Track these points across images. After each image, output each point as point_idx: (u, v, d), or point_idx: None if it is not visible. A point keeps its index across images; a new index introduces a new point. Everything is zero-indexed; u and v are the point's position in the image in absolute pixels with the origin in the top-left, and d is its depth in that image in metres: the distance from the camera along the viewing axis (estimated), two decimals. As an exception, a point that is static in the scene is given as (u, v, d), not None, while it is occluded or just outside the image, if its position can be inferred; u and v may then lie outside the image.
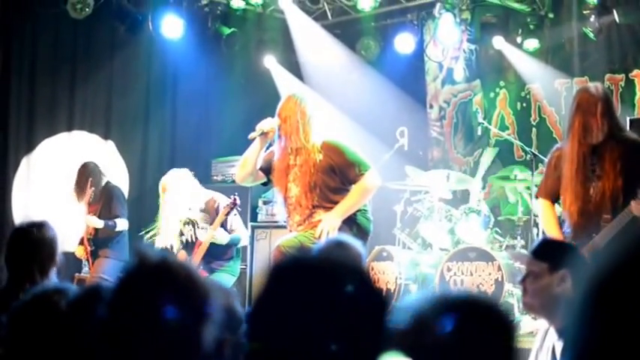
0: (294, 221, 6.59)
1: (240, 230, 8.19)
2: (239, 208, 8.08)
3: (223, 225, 8.02)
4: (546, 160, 6.27)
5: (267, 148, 6.84)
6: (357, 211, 6.53)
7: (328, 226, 6.33)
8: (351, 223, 6.50)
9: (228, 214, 7.90)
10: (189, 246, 8.08)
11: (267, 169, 6.83)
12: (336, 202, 6.46)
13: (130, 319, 2.03)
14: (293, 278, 1.97)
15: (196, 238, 8.06)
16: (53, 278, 4.50)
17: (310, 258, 2.11)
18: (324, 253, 4.18)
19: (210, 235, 7.87)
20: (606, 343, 1.38)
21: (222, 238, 7.98)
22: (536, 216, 8.80)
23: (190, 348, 2.05)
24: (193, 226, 8.06)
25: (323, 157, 6.43)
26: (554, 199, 5.98)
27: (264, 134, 6.67)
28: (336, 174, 6.47)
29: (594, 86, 5.97)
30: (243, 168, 6.85)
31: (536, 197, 6.32)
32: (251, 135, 6.76)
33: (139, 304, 2.04)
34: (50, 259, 4.50)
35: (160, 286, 2.05)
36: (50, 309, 2.76)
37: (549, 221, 5.96)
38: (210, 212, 8.09)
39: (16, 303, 2.88)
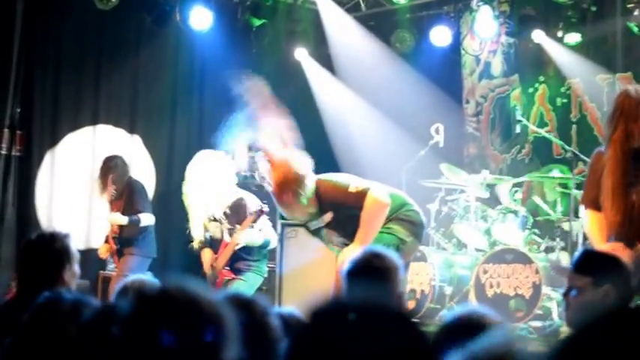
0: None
1: (269, 233, 7.90)
2: (267, 216, 7.80)
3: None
4: (588, 164, 6.01)
5: None
6: (401, 208, 6.29)
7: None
8: (401, 222, 6.27)
9: (254, 221, 7.61)
10: (214, 244, 7.81)
11: None
12: None
13: (143, 343, 2.03)
14: (333, 329, 1.89)
15: (222, 238, 7.79)
16: (67, 290, 4.28)
17: (352, 305, 1.95)
18: (363, 267, 4.05)
19: (237, 237, 7.59)
20: None
21: (257, 239, 7.69)
22: (577, 217, 8.55)
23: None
24: (220, 224, 7.78)
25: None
26: (599, 205, 5.70)
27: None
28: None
29: (635, 89, 5.71)
30: None
31: (581, 204, 6.06)
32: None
33: (140, 333, 2.05)
34: (60, 271, 4.32)
35: (159, 315, 2.06)
36: (57, 334, 2.73)
37: (595, 232, 5.70)
38: (238, 213, 7.80)
39: (23, 320, 2.85)
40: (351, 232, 6.19)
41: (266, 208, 7.61)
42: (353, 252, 5.82)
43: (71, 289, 4.32)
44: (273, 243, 7.99)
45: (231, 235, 7.68)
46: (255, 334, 2.57)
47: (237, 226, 7.64)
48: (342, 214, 6.27)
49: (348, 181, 6.29)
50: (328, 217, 6.34)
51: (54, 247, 4.32)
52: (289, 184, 6.16)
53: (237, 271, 7.74)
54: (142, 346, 2.03)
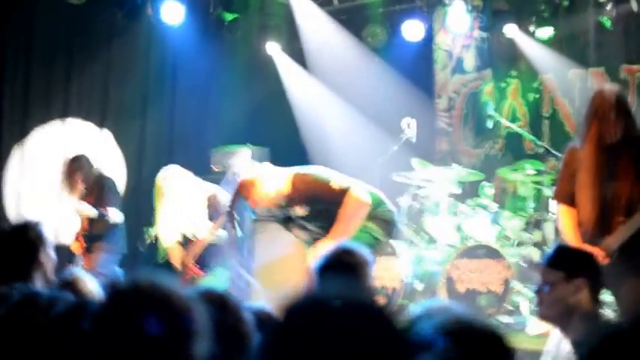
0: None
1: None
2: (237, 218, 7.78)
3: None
4: (561, 159, 6.07)
5: None
6: (378, 207, 6.32)
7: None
8: (377, 220, 6.32)
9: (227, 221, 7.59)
10: (187, 243, 7.80)
11: None
12: None
13: (115, 336, 2.05)
14: (307, 324, 1.92)
15: (195, 237, 7.78)
16: (39, 281, 4.37)
17: (326, 302, 1.99)
18: (334, 262, 4.09)
19: (210, 233, 7.57)
20: None
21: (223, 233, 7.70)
22: (548, 212, 8.56)
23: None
24: (194, 226, 7.77)
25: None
26: (572, 201, 5.73)
27: None
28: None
29: (609, 89, 5.77)
30: None
31: (554, 199, 6.13)
32: None
33: (121, 320, 2.07)
34: (32, 262, 4.38)
35: (141, 303, 2.08)
36: (30, 324, 2.73)
37: (568, 227, 5.78)
38: (211, 208, 7.79)
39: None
40: (326, 227, 6.20)
41: (236, 214, 7.58)
42: (325, 247, 5.84)
43: (49, 275, 4.40)
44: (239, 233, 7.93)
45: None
46: (229, 328, 2.60)
47: (210, 223, 7.63)
48: (318, 208, 6.27)
49: (329, 176, 6.28)
50: (302, 209, 6.33)
51: (28, 235, 4.38)
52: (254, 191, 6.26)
53: (206, 267, 7.73)
54: (112, 339, 2.05)
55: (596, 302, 3.91)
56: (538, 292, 3.96)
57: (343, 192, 6.13)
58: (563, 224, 5.79)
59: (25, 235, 4.40)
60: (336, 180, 6.22)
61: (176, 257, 7.74)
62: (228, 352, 2.46)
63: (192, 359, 2.08)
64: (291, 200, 6.31)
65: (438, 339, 2.05)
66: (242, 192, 6.33)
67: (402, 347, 1.93)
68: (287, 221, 6.49)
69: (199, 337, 2.10)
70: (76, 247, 8.88)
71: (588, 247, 5.11)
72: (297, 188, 6.28)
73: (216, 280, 7.69)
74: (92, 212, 8.67)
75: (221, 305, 2.67)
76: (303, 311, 1.95)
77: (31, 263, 4.34)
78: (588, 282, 3.88)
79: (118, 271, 8.58)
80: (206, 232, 7.68)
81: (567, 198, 5.76)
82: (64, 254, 9.12)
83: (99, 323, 2.09)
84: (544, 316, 4.01)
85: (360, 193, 6.18)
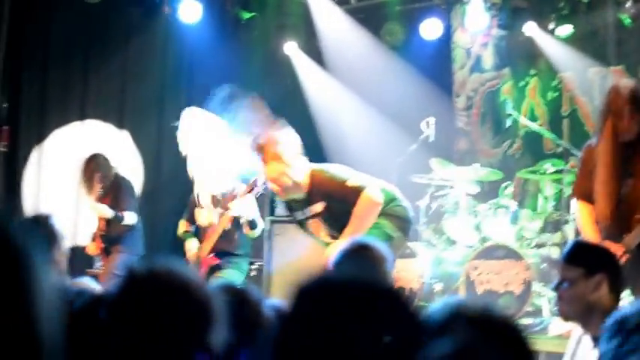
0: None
1: (258, 219, 7.77)
2: (258, 194, 7.71)
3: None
4: (579, 157, 6.03)
5: None
6: (390, 203, 6.31)
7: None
8: (389, 217, 6.32)
9: (250, 191, 7.48)
10: (200, 233, 7.76)
11: None
12: None
13: (133, 324, 2.05)
14: (320, 302, 1.89)
15: (210, 224, 7.73)
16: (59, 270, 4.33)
17: (338, 281, 1.98)
18: (351, 256, 4.06)
19: (232, 207, 7.47)
20: None
21: (249, 212, 7.57)
22: (569, 212, 8.50)
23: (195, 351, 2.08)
24: (212, 208, 7.72)
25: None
26: (590, 197, 5.72)
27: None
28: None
29: (625, 85, 5.73)
30: None
31: (572, 197, 6.14)
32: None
33: (140, 308, 2.07)
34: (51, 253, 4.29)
35: (147, 296, 2.08)
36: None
37: (586, 223, 5.80)
38: (227, 196, 7.72)
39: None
40: (341, 226, 6.20)
41: (259, 182, 7.54)
42: (340, 245, 5.83)
43: (62, 268, 4.35)
44: (259, 229, 7.83)
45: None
46: (249, 321, 2.62)
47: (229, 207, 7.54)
48: (334, 206, 6.28)
49: (345, 174, 6.29)
50: (319, 207, 6.33)
51: (40, 230, 4.25)
52: (277, 159, 6.23)
53: (217, 268, 7.67)
54: (129, 327, 2.05)
55: (617, 298, 3.87)
56: (557, 288, 3.92)
57: (358, 191, 6.13)
58: (582, 221, 5.81)
59: (38, 230, 4.31)
60: (352, 178, 6.23)
61: (191, 250, 7.70)
62: (247, 344, 2.48)
63: (209, 347, 2.08)
64: (310, 196, 6.34)
65: (454, 324, 2.02)
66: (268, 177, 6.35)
67: (418, 329, 1.92)
68: (304, 220, 6.48)
69: (217, 325, 2.10)
70: (93, 249, 8.88)
71: (607, 244, 5.06)
72: (314, 184, 6.31)
73: (234, 272, 7.64)
74: (109, 213, 8.66)
75: (242, 299, 2.70)
76: (316, 290, 1.93)
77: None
78: (608, 278, 3.84)
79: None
80: (230, 206, 7.57)
81: (585, 195, 5.77)
82: (83, 256, 9.14)
83: (115, 312, 2.11)
84: (564, 313, 3.97)
85: (374, 192, 6.18)
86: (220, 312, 2.12)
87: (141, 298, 2.08)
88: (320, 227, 6.43)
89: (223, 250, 7.70)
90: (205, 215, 7.70)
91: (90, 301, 2.71)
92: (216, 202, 7.68)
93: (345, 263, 4.14)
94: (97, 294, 2.87)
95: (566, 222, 8.57)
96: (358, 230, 6.08)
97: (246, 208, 7.55)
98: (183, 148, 7.85)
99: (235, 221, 7.65)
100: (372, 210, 6.18)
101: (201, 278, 2.18)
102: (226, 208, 7.55)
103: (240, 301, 2.66)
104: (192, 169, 7.81)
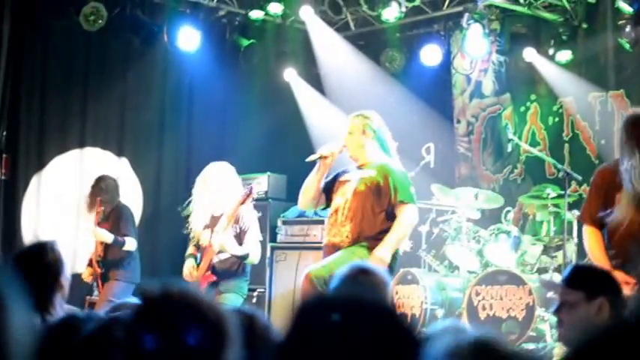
0: (344, 233, 6.60)
1: (252, 248, 7.63)
2: (253, 200, 7.68)
3: (238, 236, 7.56)
4: (591, 181, 5.91)
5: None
6: (382, 232, 6.45)
7: (379, 263, 6.20)
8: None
9: (243, 203, 7.44)
10: (202, 253, 7.71)
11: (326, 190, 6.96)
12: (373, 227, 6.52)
13: (152, 345, 2.03)
14: (319, 322, 1.93)
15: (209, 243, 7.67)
16: (59, 304, 4.26)
17: (337, 300, 2.04)
18: (349, 280, 4.05)
19: (220, 241, 7.43)
20: None
21: (231, 246, 7.50)
22: (570, 237, 8.45)
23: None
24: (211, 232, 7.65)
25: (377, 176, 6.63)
26: (600, 223, 5.61)
27: (322, 158, 6.84)
28: (381, 197, 6.57)
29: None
30: (305, 194, 6.97)
31: (580, 221, 5.99)
32: (310, 158, 6.95)
33: (160, 329, 2.05)
34: (52, 284, 4.23)
35: (182, 311, 2.07)
36: (60, 347, 2.72)
37: (595, 248, 5.66)
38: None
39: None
40: (360, 228, 6.45)
41: (254, 191, 7.54)
42: (384, 256, 6.32)
43: (65, 295, 4.30)
44: (255, 258, 7.68)
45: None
46: (257, 346, 2.60)
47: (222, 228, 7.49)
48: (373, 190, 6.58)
49: (402, 184, 6.65)
50: (370, 174, 6.73)
51: (47, 258, 4.23)
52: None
53: (215, 284, 7.59)
54: (144, 348, 2.03)
55: (619, 321, 3.81)
56: (558, 313, 3.90)
57: (401, 204, 6.45)
58: (590, 246, 5.70)
59: (44, 258, 4.24)
60: (404, 191, 6.53)
61: (186, 269, 7.62)
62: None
63: None
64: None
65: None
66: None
67: (412, 345, 1.92)
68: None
69: (232, 346, 2.09)
70: (88, 274, 8.84)
71: (618, 274, 4.97)
72: (378, 168, 6.69)
73: (235, 297, 7.55)
74: (109, 238, 8.63)
75: (250, 323, 2.72)
76: (312, 309, 1.96)
77: (53, 287, 4.20)
78: (609, 301, 3.81)
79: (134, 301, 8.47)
80: (213, 235, 7.54)
81: (594, 219, 5.66)
82: (81, 284, 9.06)
83: (132, 331, 2.08)
84: (564, 337, 3.95)
85: (414, 212, 6.53)
86: (235, 332, 2.11)
87: (158, 318, 2.06)
88: (343, 221, 6.59)
89: (222, 269, 7.61)
90: (206, 236, 7.64)
91: (102, 324, 2.72)
92: (215, 222, 7.62)
93: (345, 288, 4.11)
94: (106, 317, 2.88)
95: (568, 243, 8.52)
96: (400, 239, 6.47)
97: (226, 242, 7.47)
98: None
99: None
100: (413, 224, 6.59)
101: (213, 298, 2.18)
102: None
103: (249, 327, 2.66)
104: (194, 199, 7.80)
